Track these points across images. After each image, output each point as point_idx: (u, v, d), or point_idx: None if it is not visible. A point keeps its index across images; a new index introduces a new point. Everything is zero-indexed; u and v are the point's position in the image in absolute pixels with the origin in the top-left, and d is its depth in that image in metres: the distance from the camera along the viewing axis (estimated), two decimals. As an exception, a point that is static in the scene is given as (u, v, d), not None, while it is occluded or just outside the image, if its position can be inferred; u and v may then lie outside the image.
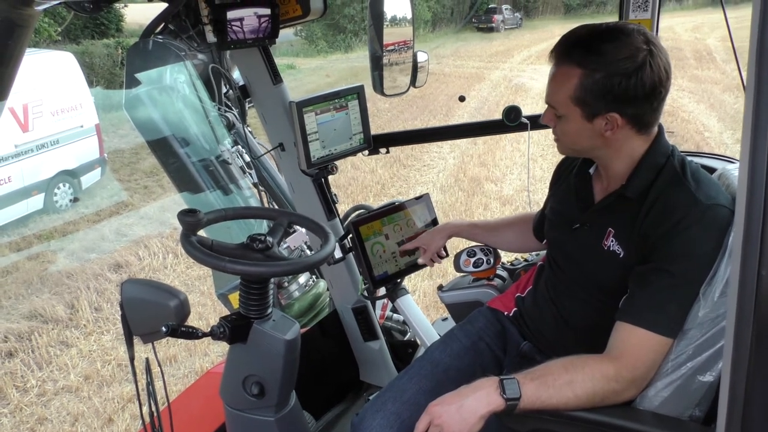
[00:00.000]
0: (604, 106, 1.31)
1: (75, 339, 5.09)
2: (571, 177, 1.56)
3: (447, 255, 2.03)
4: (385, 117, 11.56)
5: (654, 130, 1.37)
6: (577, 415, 1.23)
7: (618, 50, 1.28)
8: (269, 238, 1.51)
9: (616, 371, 1.23)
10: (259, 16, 1.84)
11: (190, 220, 1.42)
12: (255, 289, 1.51)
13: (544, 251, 1.73)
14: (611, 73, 1.27)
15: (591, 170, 1.51)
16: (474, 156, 9.35)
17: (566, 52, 1.34)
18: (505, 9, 27.50)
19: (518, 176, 8.37)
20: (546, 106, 1.43)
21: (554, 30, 23.16)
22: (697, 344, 1.21)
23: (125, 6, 16.11)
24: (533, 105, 11.56)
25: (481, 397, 1.22)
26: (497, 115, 2.23)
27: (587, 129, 1.35)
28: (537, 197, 6.36)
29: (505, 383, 1.22)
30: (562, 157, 1.65)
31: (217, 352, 4.74)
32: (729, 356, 0.64)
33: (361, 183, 8.24)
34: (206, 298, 5.39)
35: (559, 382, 1.22)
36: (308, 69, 17.68)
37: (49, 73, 7.75)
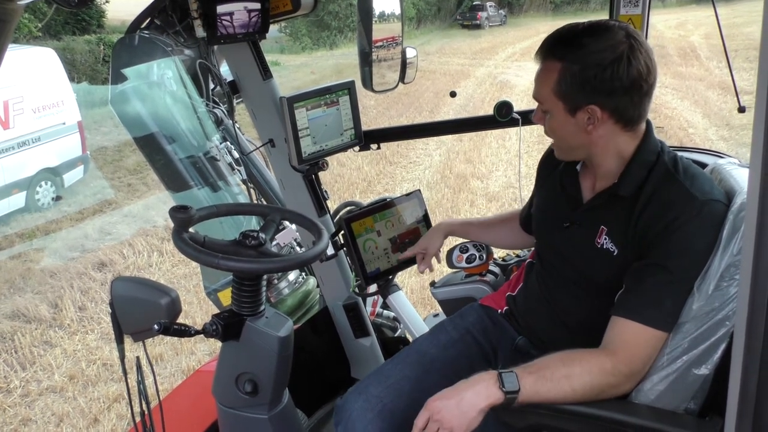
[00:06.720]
0: (583, 99, 1.31)
1: (59, 339, 5.02)
2: (557, 173, 1.56)
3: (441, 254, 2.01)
4: (371, 114, 11.52)
5: (641, 127, 1.37)
6: (573, 410, 1.23)
7: (597, 43, 1.29)
8: (262, 235, 1.50)
9: (613, 365, 1.23)
10: (249, 11, 1.83)
11: (181, 216, 1.41)
12: (248, 286, 1.50)
13: (533, 247, 1.73)
14: (588, 64, 1.29)
15: (578, 167, 1.51)
16: (460, 153, 9.36)
17: (549, 48, 1.37)
18: (489, 6, 27.50)
19: (504, 173, 8.38)
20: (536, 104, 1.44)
21: (539, 27, 23.25)
22: (692, 338, 1.22)
23: (106, 1, 15.91)
24: (518, 102, 11.51)
25: (480, 390, 1.22)
26: (482, 112, 2.23)
27: (571, 124, 1.36)
28: (524, 193, 6.38)
29: (504, 376, 1.23)
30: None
31: (204, 350, 4.70)
32: (740, 350, 0.64)
33: (348, 180, 8.21)
34: (192, 296, 5.34)
35: (557, 376, 1.23)
36: (293, 66, 17.56)
37: (30, 69, 7.62)
